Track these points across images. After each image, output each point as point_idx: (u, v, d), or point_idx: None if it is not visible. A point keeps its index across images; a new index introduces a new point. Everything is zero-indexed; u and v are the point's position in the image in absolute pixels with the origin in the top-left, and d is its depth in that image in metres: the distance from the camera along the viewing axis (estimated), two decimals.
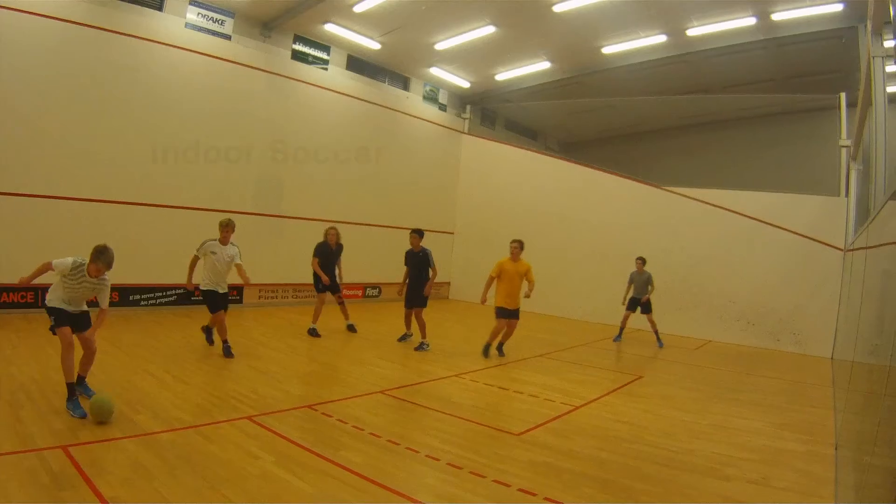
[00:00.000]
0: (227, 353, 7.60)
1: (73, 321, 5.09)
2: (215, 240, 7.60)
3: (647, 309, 11.34)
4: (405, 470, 4.33)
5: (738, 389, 8.34)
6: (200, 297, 7.78)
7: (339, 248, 10.08)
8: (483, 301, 8.98)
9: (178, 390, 5.90)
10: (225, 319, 7.68)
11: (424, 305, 9.48)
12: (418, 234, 9.48)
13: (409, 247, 9.54)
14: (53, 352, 6.97)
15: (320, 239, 9.92)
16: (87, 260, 4.95)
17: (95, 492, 3.43)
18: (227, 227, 7.63)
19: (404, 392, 6.58)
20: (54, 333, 5.01)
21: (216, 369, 6.93)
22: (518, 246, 8.82)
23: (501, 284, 8.79)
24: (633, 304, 11.45)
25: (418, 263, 9.42)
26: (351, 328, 10.37)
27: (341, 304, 10.24)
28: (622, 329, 11.71)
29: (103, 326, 5.26)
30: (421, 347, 9.18)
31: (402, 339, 9.89)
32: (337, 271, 10.01)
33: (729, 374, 9.42)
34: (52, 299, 5.05)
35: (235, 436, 4.69)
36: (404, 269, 9.57)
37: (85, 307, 5.25)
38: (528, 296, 8.82)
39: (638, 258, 11.47)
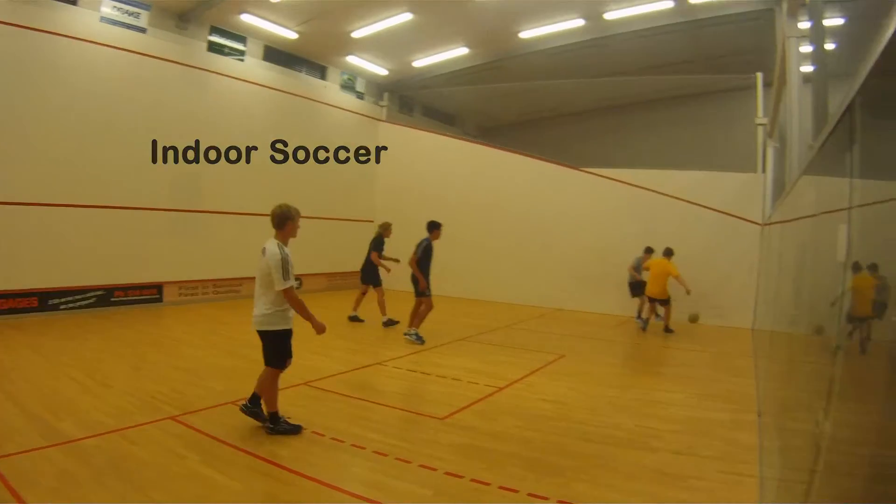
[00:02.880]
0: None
1: None
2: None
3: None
4: (331, 460, 4.30)
5: (661, 363, 8.56)
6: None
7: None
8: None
9: (101, 394, 5.65)
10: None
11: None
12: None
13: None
14: None
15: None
16: None
17: None
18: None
19: (328, 382, 6.41)
20: None
21: (138, 371, 6.60)
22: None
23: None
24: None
25: None
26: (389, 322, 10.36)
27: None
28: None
29: None
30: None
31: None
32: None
33: (651, 350, 9.63)
34: None
35: (160, 437, 4.56)
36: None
37: None
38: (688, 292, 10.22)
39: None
